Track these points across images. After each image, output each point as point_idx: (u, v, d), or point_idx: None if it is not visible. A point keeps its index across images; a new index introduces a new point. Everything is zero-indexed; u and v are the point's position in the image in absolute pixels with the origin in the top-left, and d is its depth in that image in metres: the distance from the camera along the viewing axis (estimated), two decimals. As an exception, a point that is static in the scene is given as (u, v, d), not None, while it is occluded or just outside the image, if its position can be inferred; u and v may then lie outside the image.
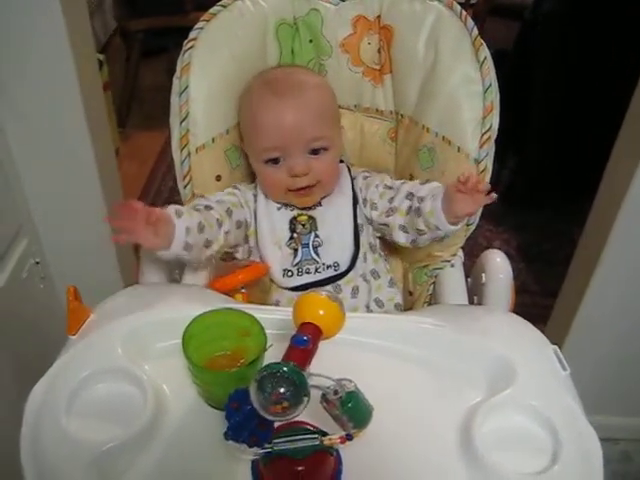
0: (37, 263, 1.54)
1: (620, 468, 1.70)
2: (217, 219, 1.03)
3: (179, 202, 1.15)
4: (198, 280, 1.06)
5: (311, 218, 1.09)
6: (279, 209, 1.10)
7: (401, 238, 1.07)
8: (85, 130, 1.44)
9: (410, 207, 1.04)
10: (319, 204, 1.10)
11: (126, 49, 3.09)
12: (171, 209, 0.96)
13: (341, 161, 1.16)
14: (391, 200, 1.07)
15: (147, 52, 3.15)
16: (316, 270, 1.08)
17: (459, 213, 0.95)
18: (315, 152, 1.05)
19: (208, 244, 1.01)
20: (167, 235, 0.92)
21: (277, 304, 1.08)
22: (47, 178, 1.49)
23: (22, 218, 1.50)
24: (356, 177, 1.14)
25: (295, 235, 1.09)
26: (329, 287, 1.07)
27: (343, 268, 1.08)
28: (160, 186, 2.65)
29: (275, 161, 1.05)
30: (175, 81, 1.07)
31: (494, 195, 0.91)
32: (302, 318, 0.70)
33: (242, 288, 1.05)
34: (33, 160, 1.47)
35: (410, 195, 1.05)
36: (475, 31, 1.03)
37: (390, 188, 1.10)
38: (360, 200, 1.12)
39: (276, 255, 1.09)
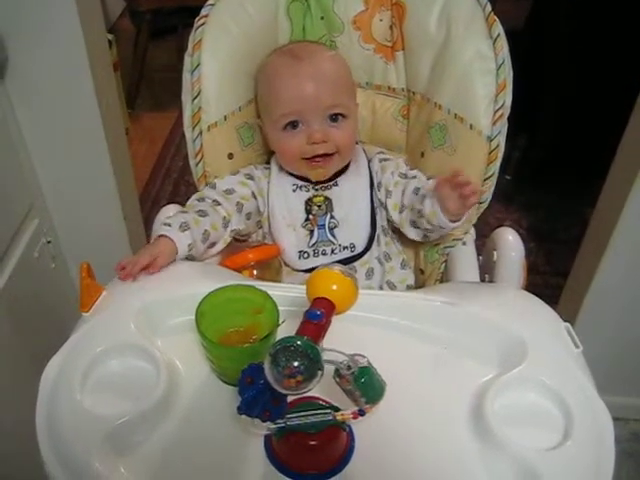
0: (49, 242, 1.55)
1: (629, 447, 1.71)
2: (224, 217, 1.03)
3: (190, 181, 1.15)
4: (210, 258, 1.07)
5: (327, 199, 1.09)
6: (294, 191, 1.10)
7: (412, 234, 1.08)
8: (96, 110, 1.44)
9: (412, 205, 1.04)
10: (335, 184, 1.10)
11: (135, 29, 3.08)
12: (176, 221, 0.96)
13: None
14: (403, 194, 1.07)
15: (156, 32, 3.14)
16: (332, 251, 1.08)
17: (453, 211, 0.94)
18: (334, 119, 1.05)
19: (212, 245, 1.02)
20: (170, 257, 0.93)
21: None
22: (58, 158, 1.49)
23: (33, 198, 1.50)
24: (372, 159, 1.14)
25: (311, 216, 1.09)
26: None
27: (359, 249, 1.08)
28: (170, 166, 2.65)
29: (294, 125, 1.05)
30: (187, 58, 1.06)
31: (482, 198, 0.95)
32: (315, 293, 0.71)
33: (254, 270, 1.05)
34: (44, 140, 1.47)
35: (417, 190, 1.05)
36: (488, 7, 1.03)
37: (404, 177, 1.10)
38: (375, 183, 1.11)
39: (291, 237, 1.08)
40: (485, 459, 0.71)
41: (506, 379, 0.76)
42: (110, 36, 2.45)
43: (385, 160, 1.13)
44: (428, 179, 1.07)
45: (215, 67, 1.06)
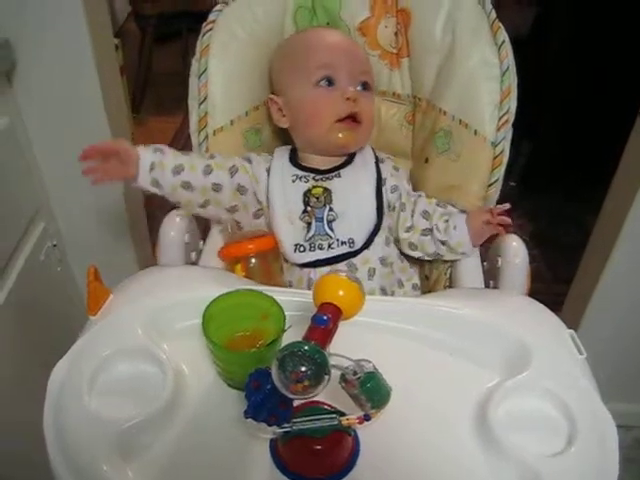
0: (54, 246, 1.55)
1: (632, 454, 1.70)
2: (207, 165, 1.03)
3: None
4: (215, 262, 1.07)
5: (326, 190, 1.07)
6: (293, 181, 1.08)
7: (407, 251, 1.10)
8: (102, 114, 1.44)
9: (428, 229, 1.06)
10: (337, 175, 1.08)
11: (140, 34, 3.09)
12: (153, 146, 0.99)
13: None
14: (412, 214, 1.08)
15: (161, 37, 3.15)
16: (329, 246, 1.04)
17: (483, 239, 1.03)
18: (364, 87, 1.07)
19: (188, 186, 1.01)
20: (133, 166, 0.96)
21: (291, 285, 1.07)
22: (64, 162, 1.49)
23: (39, 201, 1.50)
24: (383, 160, 1.13)
25: (309, 209, 1.06)
26: (343, 264, 1.04)
27: (358, 245, 1.05)
28: (174, 171, 2.64)
29: (329, 82, 1.05)
30: (194, 63, 1.07)
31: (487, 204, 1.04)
32: (322, 298, 0.71)
33: (252, 258, 1.05)
34: (51, 144, 1.47)
35: (426, 214, 1.06)
36: (493, 14, 1.03)
37: (411, 195, 1.11)
38: (388, 185, 1.09)
39: (288, 230, 1.06)
40: (489, 465, 0.71)
41: (510, 385, 0.76)
42: (116, 40, 2.46)
43: (396, 169, 1.13)
44: (438, 204, 1.09)
45: (222, 72, 1.07)
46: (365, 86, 1.08)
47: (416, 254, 1.09)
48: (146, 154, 0.98)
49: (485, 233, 1.02)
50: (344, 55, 1.06)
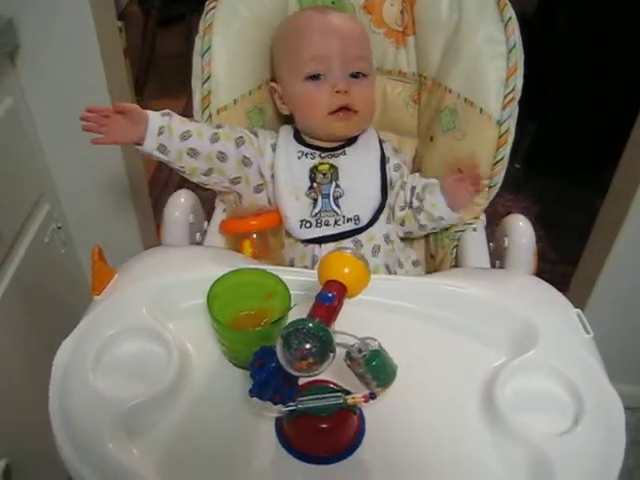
0: (59, 228, 1.55)
1: (638, 436, 1.70)
2: (215, 133, 1.03)
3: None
4: (219, 242, 1.06)
5: (332, 167, 1.07)
6: (299, 158, 1.08)
7: (398, 228, 1.11)
8: (106, 97, 1.43)
9: (410, 203, 1.08)
10: (343, 153, 1.08)
11: (143, 16, 3.07)
12: (160, 112, 0.99)
13: None
14: (405, 193, 1.10)
15: (164, 20, 3.14)
16: (335, 222, 1.05)
17: (460, 202, 1.03)
18: (355, 76, 1.05)
19: (194, 153, 1.01)
20: (142, 129, 0.96)
21: (292, 262, 1.07)
22: (68, 144, 1.49)
23: (44, 184, 1.51)
24: (385, 142, 1.13)
25: (315, 185, 1.06)
26: (349, 241, 1.05)
27: (364, 222, 1.05)
28: (178, 154, 2.64)
29: (316, 77, 1.04)
30: (197, 41, 1.07)
31: (484, 182, 1.04)
32: (327, 276, 0.70)
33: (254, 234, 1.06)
34: (54, 126, 1.47)
35: (413, 189, 1.08)
36: (500, -10, 1.02)
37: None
38: (391, 163, 1.10)
39: (294, 206, 1.06)
40: (495, 444, 0.71)
41: (517, 364, 0.76)
42: (120, 23, 2.45)
43: (395, 151, 1.14)
44: (421, 175, 1.11)
45: (226, 50, 1.06)
46: (360, 73, 1.06)
47: (402, 230, 1.11)
48: (155, 117, 0.98)
49: (457, 192, 1.02)
50: (338, 42, 1.04)
